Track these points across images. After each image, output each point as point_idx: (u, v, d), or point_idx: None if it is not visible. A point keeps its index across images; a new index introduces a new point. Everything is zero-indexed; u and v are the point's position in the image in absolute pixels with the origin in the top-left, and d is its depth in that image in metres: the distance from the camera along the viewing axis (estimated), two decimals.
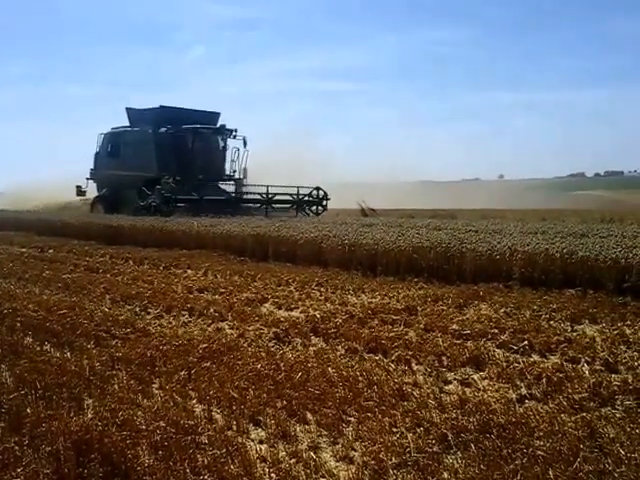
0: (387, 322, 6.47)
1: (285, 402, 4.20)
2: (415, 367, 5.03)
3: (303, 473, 3.28)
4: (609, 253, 8.13)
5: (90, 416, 4.00)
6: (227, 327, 6.52)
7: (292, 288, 8.71)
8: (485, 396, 4.32)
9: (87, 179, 27.71)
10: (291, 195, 24.00)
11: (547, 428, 3.67)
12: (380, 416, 3.93)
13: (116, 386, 4.60)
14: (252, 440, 3.72)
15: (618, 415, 3.92)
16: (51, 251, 14.23)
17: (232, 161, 24.99)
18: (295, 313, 7.17)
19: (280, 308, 7.45)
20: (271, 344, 5.75)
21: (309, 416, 4.02)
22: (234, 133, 24.39)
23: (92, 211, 25.50)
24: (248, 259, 11.79)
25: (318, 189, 24.70)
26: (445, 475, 3.18)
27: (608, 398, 4.18)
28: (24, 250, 14.42)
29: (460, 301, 7.44)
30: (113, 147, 26.06)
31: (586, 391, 4.29)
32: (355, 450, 3.54)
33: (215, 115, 25.67)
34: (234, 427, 3.87)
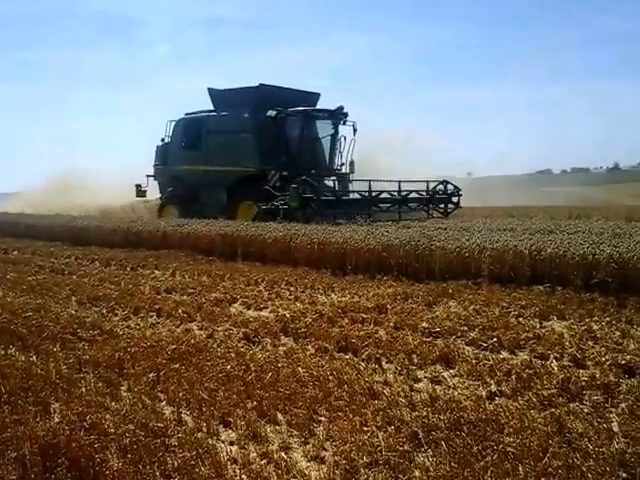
0: (357, 321, 6.46)
1: (255, 403, 4.17)
2: (385, 365, 5.03)
3: (274, 474, 3.25)
4: (576, 249, 8.23)
5: (57, 420, 3.93)
6: (196, 328, 6.45)
7: (261, 288, 8.66)
8: (455, 393, 4.34)
9: (148, 177, 22.08)
10: (418, 192, 18.79)
11: (517, 424, 3.69)
12: (351, 415, 3.91)
13: (83, 389, 4.52)
14: (222, 441, 3.68)
15: (586, 410, 3.97)
16: (15, 252, 13.95)
17: (340, 152, 19.95)
18: (265, 313, 7.13)
19: (249, 308, 7.39)
20: (240, 344, 5.70)
21: (280, 416, 3.99)
22: (346, 118, 19.41)
23: (161, 215, 20.28)
24: (216, 259, 11.69)
25: (445, 183, 19.66)
26: (416, 473, 3.17)
27: (576, 393, 4.23)
28: None
29: (430, 299, 7.47)
30: (190, 137, 20.49)
31: (555, 387, 4.33)
32: (326, 450, 3.52)
33: (316, 96, 20.59)
34: (204, 429, 3.82)
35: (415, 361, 5.10)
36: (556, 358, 5.07)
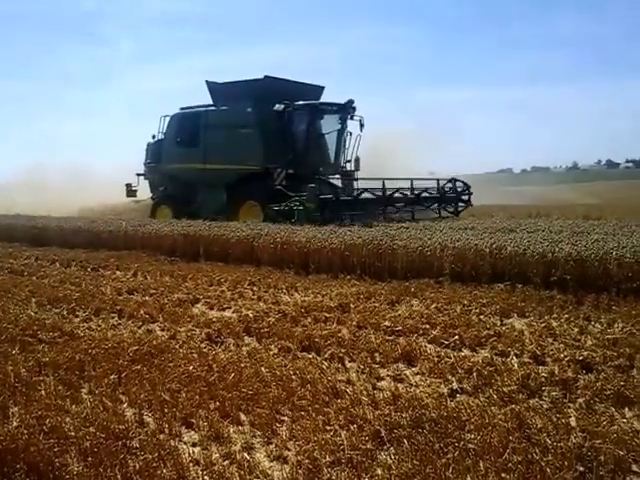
0: (320, 320, 6.47)
1: (218, 403, 4.14)
2: (348, 364, 5.04)
3: (237, 474, 3.23)
4: (536, 248, 8.39)
5: (15, 424, 3.84)
6: (158, 329, 6.37)
7: (224, 288, 8.60)
8: (417, 391, 4.38)
9: (138, 175, 20.48)
10: (427, 190, 17.40)
11: (478, 421, 3.74)
12: (314, 414, 3.91)
13: (43, 392, 4.42)
14: (185, 443, 3.65)
15: (545, 406, 4.05)
16: None
17: (346, 149, 18.51)
18: (227, 313, 7.08)
19: (212, 308, 7.33)
20: (203, 345, 5.65)
21: (242, 417, 3.97)
22: (354, 113, 17.94)
23: (154, 216, 18.55)
24: (179, 259, 11.56)
25: (454, 181, 18.49)
26: (379, 471, 3.19)
27: (536, 390, 4.31)
28: None
29: (392, 298, 7.52)
30: (187, 133, 18.80)
31: (515, 383, 4.40)
32: (289, 449, 3.51)
33: (320, 89, 18.96)
34: (166, 430, 3.78)
35: (378, 360, 5.12)
36: (516, 355, 5.15)
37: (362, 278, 9.07)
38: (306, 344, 5.54)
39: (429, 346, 5.50)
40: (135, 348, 5.41)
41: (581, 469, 3.12)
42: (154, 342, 5.68)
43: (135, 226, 13.89)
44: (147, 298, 7.96)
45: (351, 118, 17.87)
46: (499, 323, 6.30)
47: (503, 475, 3.09)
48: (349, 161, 18.28)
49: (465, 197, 18.61)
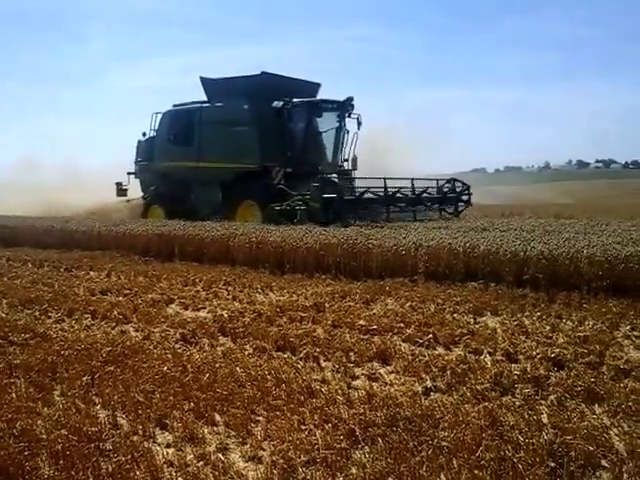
0: (295, 320, 6.47)
1: (192, 404, 4.11)
2: (323, 364, 5.05)
3: (211, 475, 3.22)
4: (509, 247, 8.49)
5: None
6: (132, 329, 6.31)
7: (199, 288, 8.56)
8: (392, 390, 4.40)
9: (129, 174, 19.79)
10: (426, 190, 16.68)
11: (451, 419, 3.77)
12: (289, 414, 3.91)
13: (14, 395, 4.36)
14: (159, 444, 3.62)
15: (517, 403, 4.09)
16: None
17: (343, 147, 18.01)
18: (202, 313, 7.04)
19: (187, 308, 7.29)
20: (178, 345, 5.62)
21: (217, 417, 3.95)
22: (352, 110, 17.49)
23: (146, 216, 17.83)
24: (153, 259, 11.48)
25: (453, 181, 17.91)
26: (353, 470, 3.20)
27: (508, 387, 4.36)
28: None
29: (367, 297, 7.55)
30: (180, 130, 18.07)
31: (488, 381, 4.45)
32: (264, 449, 3.50)
33: (316, 86, 18.42)
34: (140, 432, 3.75)
35: (353, 359, 5.14)
36: (489, 353, 5.21)
37: (337, 277, 9.09)
38: (281, 344, 5.54)
39: (403, 345, 5.53)
40: (108, 349, 5.36)
41: (552, 465, 3.16)
42: (128, 343, 5.63)
43: (109, 226, 13.76)
44: (121, 298, 7.89)
45: (349, 116, 17.52)
46: (472, 321, 6.36)
47: (476, 472, 3.12)
48: (346, 160, 17.95)
49: (465, 197, 18.06)
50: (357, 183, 15.85)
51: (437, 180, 17.43)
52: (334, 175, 17.29)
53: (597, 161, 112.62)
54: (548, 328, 5.96)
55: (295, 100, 16.30)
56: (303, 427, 3.73)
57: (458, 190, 17.81)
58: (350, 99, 17.25)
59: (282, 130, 16.36)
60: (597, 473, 3.15)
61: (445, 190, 17.23)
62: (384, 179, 14.89)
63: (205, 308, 7.28)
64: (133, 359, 5.10)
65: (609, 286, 7.36)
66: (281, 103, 16.22)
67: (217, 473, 3.23)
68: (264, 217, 14.78)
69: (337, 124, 17.58)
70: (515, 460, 3.20)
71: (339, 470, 3.21)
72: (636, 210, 19.26)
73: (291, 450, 3.41)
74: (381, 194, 14.84)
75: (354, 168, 17.86)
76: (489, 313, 6.72)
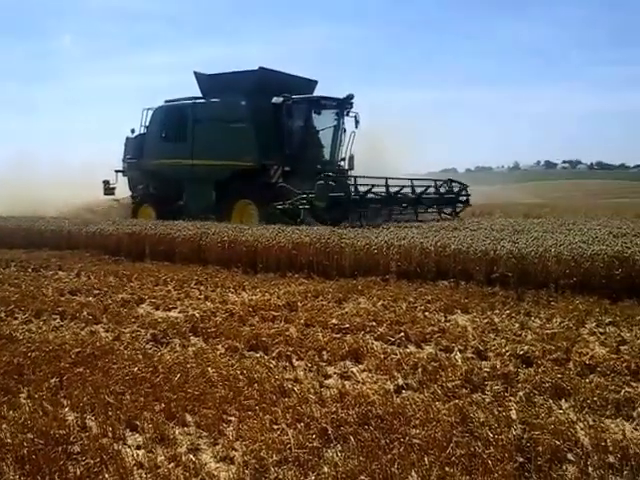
0: (268, 319, 6.45)
1: (163, 405, 4.08)
2: (296, 363, 5.05)
3: (182, 477, 3.19)
4: (479, 245, 8.60)
5: None
6: (102, 330, 6.23)
7: (170, 287, 8.49)
8: (364, 388, 4.42)
9: (117, 172, 19.15)
10: (426, 191, 16.38)
11: (423, 416, 3.80)
12: (261, 414, 3.90)
13: None
14: (129, 446, 3.57)
15: (487, 400, 4.15)
16: None
17: (341, 146, 17.65)
18: (173, 313, 6.99)
19: (158, 308, 7.22)
20: (148, 346, 5.56)
21: (188, 418, 3.92)
22: (351, 108, 17.11)
23: (136, 216, 17.36)
24: (124, 259, 11.34)
25: (450, 182, 17.79)
26: (325, 469, 3.20)
27: (479, 384, 4.41)
28: None
29: (339, 295, 7.57)
30: (172, 127, 17.58)
31: (459, 379, 4.50)
32: (236, 450, 3.49)
33: (313, 84, 18.02)
34: (109, 434, 3.69)
35: (325, 357, 5.15)
36: (460, 350, 5.26)
37: (310, 276, 9.10)
38: (253, 343, 5.52)
39: (375, 343, 5.56)
40: (77, 350, 5.28)
41: (521, 460, 3.21)
42: (97, 344, 5.55)
43: (78, 225, 13.56)
44: (90, 299, 7.78)
45: (347, 114, 17.19)
46: (443, 319, 6.42)
47: (447, 469, 3.15)
48: (343, 159, 17.59)
49: (463, 197, 18.03)
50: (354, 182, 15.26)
51: (435, 180, 17.35)
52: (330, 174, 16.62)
53: (564, 162, 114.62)
54: (517, 325, 6.05)
55: (295, 97, 15.89)
56: (275, 426, 3.73)
57: (456, 190, 17.70)
58: (350, 96, 16.90)
59: (281, 127, 15.99)
60: (563, 467, 3.20)
61: (442, 191, 17.04)
62: (386, 179, 14.68)
63: (176, 308, 7.22)
64: (103, 360, 5.03)
65: (576, 284, 7.50)
66: (281, 99, 15.76)
67: (188, 474, 3.21)
68: (261, 216, 14.46)
69: (335, 122, 17.23)
70: (485, 456, 3.24)
71: (311, 469, 3.22)
72: (601, 209, 19.67)
73: (263, 450, 3.41)
74: (383, 194, 14.59)
75: (351, 167, 17.49)
76: (460, 311, 6.79)
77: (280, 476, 3.17)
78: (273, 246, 9.87)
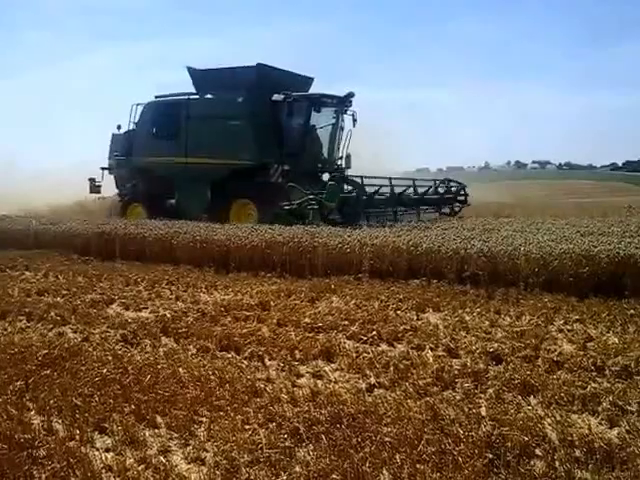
0: (240, 319, 6.42)
1: (133, 406, 4.03)
2: (268, 362, 5.04)
3: (152, 479, 3.16)
4: (450, 244, 8.69)
5: None
6: (70, 331, 6.13)
7: (141, 287, 8.39)
8: (336, 387, 4.42)
9: (103, 169, 18.33)
10: (428, 191, 16.56)
11: (394, 414, 3.82)
12: (232, 414, 3.88)
13: None
14: (97, 449, 3.52)
15: (458, 397, 4.19)
16: None
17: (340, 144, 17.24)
18: (144, 313, 6.91)
19: (128, 309, 7.14)
20: (118, 347, 5.49)
21: (159, 419, 3.88)
22: (350, 107, 16.72)
23: (125, 215, 16.68)
24: (93, 259, 11.14)
25: (448, 181, 18.03)
26: (297, 469, 3.20)
27: (449, 382, 4.45)
28: None
29: (312, 295, 7.57)
30: (164, 123, 16.83)
31: (430, 376, 4.54)
32: (207, 451, 3.47)
33: (310, 80, 17.51)
34: (77, 437, 3.64)
35: (297, 357, 5.15)
36: (431, 349, 5.31)
37: (283, 276, 9.08)
38: (225, 343, 5.49)
39: (348, 342, 5.57)
40: (45, 352, 5.18)
41: (490, 456, 3.25)
42: (65, 345, 5.46)
43: (46, 224, 13.33)
44: (58, 299, 7.65)
45: (345, 112, 16.80)
46: (415, 318, 6.46)
47: (418, 466, 3.17)
48: (340, 157, 17.15)
49: (461, 197, 17.92)
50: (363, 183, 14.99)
51: (435, 180, 17.32)
52: (326, 173, 16.73)
53: (534, 162, 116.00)
54: (487, 323, 6.12)
55: (296, 94, 15.47)
56: (247, 427, 3.71)
57: (454, 190, 17.67)
58: (350, 94, 16.53)
59: (280, 125, 15.62)
60: (532, 462, 3.25)
61: (441, 191, 17.05)
62: (389, 179, 14.56)
63: (147, 308, 7.15)
64: (71, 362, 4.95)
65: (544, 282, 7.63)
66: (282, 97, 15.32)
67: (158, 476, 3.18)
68: (261, 216, 14.04)
69: (334, 120, 16.80)
70: (455, 453, 3.28)
71: (283, 469, 3.21)
72: (569, 209, 19.99)
73: (234, 450, 3.39)
74: (388, 194, 14.50)
75: (348, 166, 17.14)
76: (431, 309, 6.84)
77: (251, 476, 3.16)
78: (246, 245, 9.83)
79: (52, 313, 6.75)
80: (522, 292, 7.47)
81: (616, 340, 5.50)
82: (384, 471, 3.15)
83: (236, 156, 15.19)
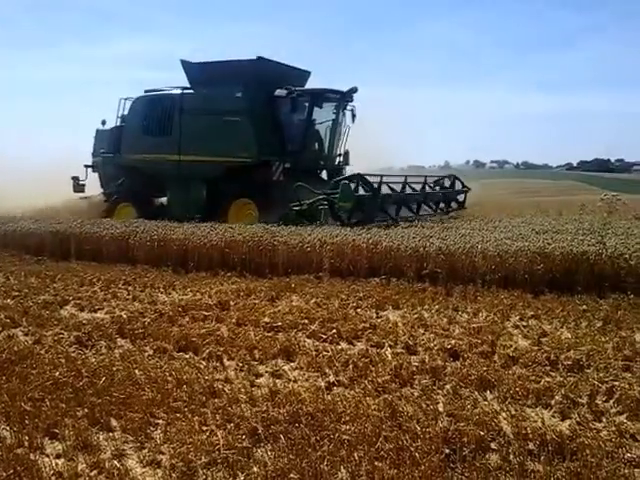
0: (198, 319, 6.34)
1: (87, 410, 3.93)
2: (227, 363, 4.98)
3: None
4: (409, 243, 8.75)
5: None
6: (21, 334, 5.95)
7: (96, 288, 8.21)
8: (295, 386, 4.40)
9: (86, 167, 17.27)
10: (432, 190, 16.21)
11: (353, 412, 3.82)
12: (190, 416, 3.82)
13: None
14: (47, 455, 3.42)
15: (416, 394, 4.21)
16: None
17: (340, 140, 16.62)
18: (99, 314, 6.76)
19: (83, 310, 6.97)
20: (72, 349, 5.35)
21: (113, 422, 3.80)
22: (350, 102, 16.13)
23: (112, 215, 15.50)
24: (47, 259, 10.87)
25: (454, 178, 17.52)
26: (255, 469, 3.17)
27: (408, 379, 4.48)
28: None
29: (272, 294, 7.52)
30: (156, 119, 15.87)
31: (388, 374, 4.55)
32: (163, 453, 3.40)
33: (307, 74, 16.73)
34: (26, 443, 3.52)
35: (257, 356, 5.11)
36: (390, 346, 5.33)
37: (243, 275, 9.01)
38: (183, 344, 5.41)
39: (308, 341, 5.55)
40: None
41: (447, 451, 3.28)
42: (15, 348, 5.29)
43: None
44: (9, 301, 7.42)
45: (345, 107, 16.19)
46: (375, 316, 6.48)
47: (376, 463, 3.18)
48: (340, 154, 16.60)
49: (460, 197, 17.63)
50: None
51: (441, 177, 17.17)
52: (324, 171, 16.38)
53: (492, 162, 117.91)
54: (445, 320, 6.18)
55: (299, 89, 14.96)
56: (204, 428, 3.66)
57: (457, 190, 17.43)
58: (353, 89, 15.80)
59: (282, 121, 15.06)
60: (487, 456, 3.29)
61: (445, 187, 16.85)
62: (405, 177, 14.38)
63: (103, 309, 7.00)
64: (21, 365, 4.81)
65: (501, 279, 7.75)
66: (284, 92, 14.64)
67: None
68: (262, 216, 13.32)
69: (334, 115, 16.13)
70: (412, 449, 3.29)
71: (240, 469, 3.17)
72: (525, 207, 20.37)
73: (191, 452, 3.34)
74: (395, 192, 14.13)
75: (347, 163, 16.71)
76: (391, 307, 6.87)
77: (209, 478, 3.12)
78: (205, 244, 9.71)
79: (1, 315, 6.55)
80: (479, 289, 7.58)
81: (569, 335, 5.62)
82: (342, 469, 3.15)
83: (234, 153, 14.56)
